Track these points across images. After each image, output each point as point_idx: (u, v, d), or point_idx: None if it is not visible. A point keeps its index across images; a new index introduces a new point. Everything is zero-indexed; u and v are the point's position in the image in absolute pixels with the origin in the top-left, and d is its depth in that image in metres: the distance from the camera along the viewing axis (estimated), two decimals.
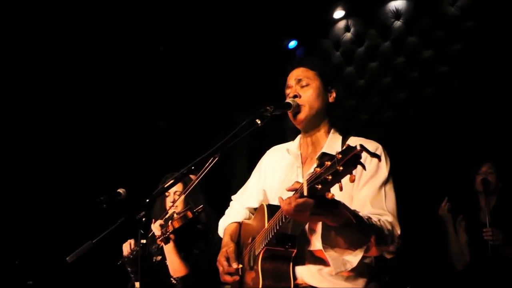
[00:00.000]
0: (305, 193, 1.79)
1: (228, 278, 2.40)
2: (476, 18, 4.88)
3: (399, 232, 2.16)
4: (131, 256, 3.72)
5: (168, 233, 3.45)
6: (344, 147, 1.69)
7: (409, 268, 4.34)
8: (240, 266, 2.40)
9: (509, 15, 4.61)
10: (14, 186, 4.99)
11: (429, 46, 5.18)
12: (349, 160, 1.65)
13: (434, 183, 4.71)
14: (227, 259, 2.42)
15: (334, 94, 2.48)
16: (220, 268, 2.44)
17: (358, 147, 1.65)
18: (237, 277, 2.38)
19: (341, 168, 1.66)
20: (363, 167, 1.68)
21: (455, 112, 4.87)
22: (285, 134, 2.67)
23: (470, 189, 4.20)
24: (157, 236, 3.54)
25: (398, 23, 5.38)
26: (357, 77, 5.71)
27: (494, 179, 4.07)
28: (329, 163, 1.70)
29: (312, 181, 1.76)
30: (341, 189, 1.72)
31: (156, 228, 3.56)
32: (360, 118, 5.46)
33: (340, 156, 1.67)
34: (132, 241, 3.82)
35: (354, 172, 1.68)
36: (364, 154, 2.24)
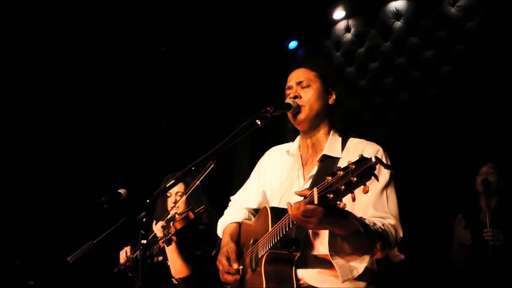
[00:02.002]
0: (316, 201, 1.80)
1: (228, 278, 2.40)
2: (477, 18, 4.88)
3: (401, 234, 2.17)
4: (127, 264, 3.73)
5: (170, 235, 3.44)
6: (358, 158, 1.69)
7: (410, 269, 4.35)
8: (241, 267, 2.40)
9: (510, 14, 4.62)
10: (15, 186, 4.99)
11: (431, 47, 5.19)
12: (364, 172, 1.65)
13: (437, 183, 4.71)
14: (228, 259, 2.42)
15: (334, 96, 2.47)
16: (220, 267, 2.44)
17: (373, 159, 1.65)
18: (237, 276, 2.39)
19: (355, 179, 1.66)
20: (377, 178, 1.69)
21: (457, 112, 4.87)
22: (285, 134, 2.67)
23: (471, 189, 4.19)
24: (159, 238, 3.53)
25: (398, 24, 5.39)
26: (358, 77, 5.72)
27: (494, 179, 4.06)
28: (341, 173, 1.70)
29: (324, 189, 1.76)
30: (353, 199, 1.73)
31: (158, 229, 3.56)
32: (362, 119, 5.46)
33: (353, 166, 1.67)
34: (128, 249, 3.83)
35: (368, 183, 1.67)
36: (367, 153, 2.25)
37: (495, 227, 3.81)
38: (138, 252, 3.77)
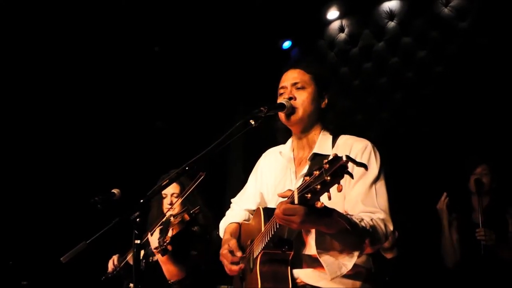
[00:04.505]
0: (296, 202, 1.82)
1: (234, 267, 2.41)
2: (470, 19, 4.90)
3: (391, 228, 2.18)
4: (115, 272, 3.73)
5: (165, 244, 3.39)
6: (331, 157, 1.71)
7: (407, 267, 4.36)
8: (244, 255, 2.42)
9: (503, 15, 4.65)
10: (8, 186, 4.97)
11: (424, 47, 5.20)
12: (336, 171, 1.68)
13: (430, 183, 4.73)
14: (231, 252, 2.44)
15: (326, 100, 2.49)
16: (224, 261, 2.46)
17: (344, 158, 1.67)
18: (242, 265, 2.40)
19: (328, 178, 1.68)
20: (351, 176, 1.71)
21: (451, 112, 4.89)
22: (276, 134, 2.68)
23: (464, 188, 4.20)
24: (154, 247, 3.47)
25: (392, 24, 5.41)
26: (352, 77, 5.73)
27: (488, 180, 4.07)
28: (317, 172, 1.73)
29: (302, 190, 1.79)
30: (329, 198, 1.75)
31: (154, 240, 3.49)
32: (356, 119, 5.48)
33: (327, 166, 1.69)
34: (115, 258, 3.83)
35: (342, 182, 1.70)
36: (355, 149, 2.28)
37: (487, 227, 3.83)
38: (127, 259, 3.77)
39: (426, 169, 4.82)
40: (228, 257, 2.42)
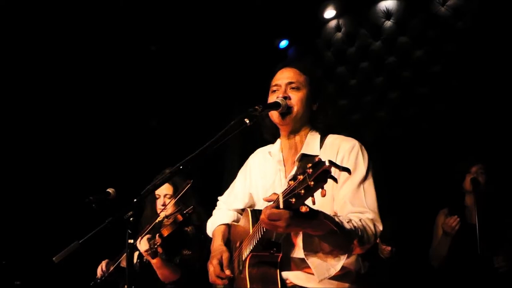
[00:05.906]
0: (281, 206, 1.82)
1: (218, 281, 2.40)
2: (467, 18, 4.91)
3: (381, 228, 2.17)
4: (103, 278, 3.72)
5: (156, 246, 3.36)
6: (315, 162, 1.70)
7: (402, 267, 4.35)
8: (231, 275, 2.41)
9: (500, 14, 4.64)
10: (1, 186, 4.94)
11: (421, 46, 5.20)
12: (319, 176, 1.67)
13: (426, 182, 4.72)
14: (221, 264, 2.42)
15: (317, 105, 2.49)
16: (211, 269, 2.44)
17: (327, 163, 1.66)
18: (226, 281, 2.40)
19: (312, 183, 1.68)
20: (335, 181, 1.70)
21: (447, 112, 4.89)
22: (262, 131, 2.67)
23: (458, 187, 4.19)
24: (145, 250, 3.44)
25: (389, 23, 5.40)
26: (349, 77, 5.72)
27: (484, 180, 4.06)
28: (301, 177, 1.72)
29: (287, 194, 1.79)
30: (313, 202, 1.74)
31: (143, 243, 3.46)
32: (352, 118, 5.48)
33: (310, 171, 1.69)
34: (104, 263, 3.82)
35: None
36: (343, 150, 2.27)
37: (483, 227, 3.79)
38: (120, 261, 3.75)
39: (422, 169, 4.82)
40: (216, 270, 2.41)
